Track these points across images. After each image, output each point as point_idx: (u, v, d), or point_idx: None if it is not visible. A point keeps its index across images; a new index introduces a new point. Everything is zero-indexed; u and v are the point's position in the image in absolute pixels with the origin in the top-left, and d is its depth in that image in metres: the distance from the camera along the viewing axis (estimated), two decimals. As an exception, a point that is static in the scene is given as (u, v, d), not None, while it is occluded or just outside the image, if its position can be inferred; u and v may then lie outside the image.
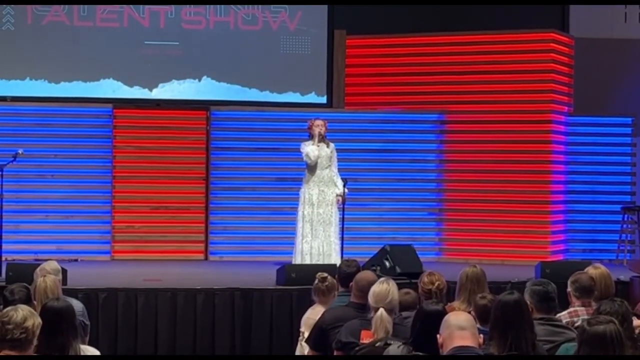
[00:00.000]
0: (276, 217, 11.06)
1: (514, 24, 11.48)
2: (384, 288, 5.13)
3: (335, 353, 5.24)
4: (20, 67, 11.22)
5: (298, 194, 9.83)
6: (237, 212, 11.26)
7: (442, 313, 4.51)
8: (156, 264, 10.48)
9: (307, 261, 9.51)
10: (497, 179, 11.22)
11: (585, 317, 5.36)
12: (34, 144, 10.79)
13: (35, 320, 4.26)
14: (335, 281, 6.38)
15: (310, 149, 9.67)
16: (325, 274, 6.45)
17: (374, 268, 8.49)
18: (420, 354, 4.44)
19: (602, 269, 6.17)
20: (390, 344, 4.72)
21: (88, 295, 8.05)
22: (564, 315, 5.60)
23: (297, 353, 6.38)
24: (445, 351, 4.20)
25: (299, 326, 6.55)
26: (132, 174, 11.15)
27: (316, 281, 6.43)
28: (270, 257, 10.53)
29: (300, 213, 9.72)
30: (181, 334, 8.24)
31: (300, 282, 8.26)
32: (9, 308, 4.33)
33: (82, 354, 4.64)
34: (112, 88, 11.34)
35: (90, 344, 5.48)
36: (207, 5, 11.51)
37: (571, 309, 5.71)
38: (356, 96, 11.71)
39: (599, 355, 4.07)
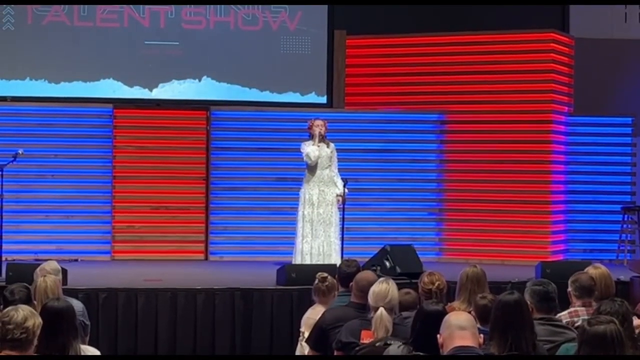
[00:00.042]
0: (276, 217, 11.06)
1: (514, 24, 11.48)
2: (383, 288, 5.14)
3: (335, 353, 5.24)
4: (20, 67, 11.22)
5: (298, 194, 9.83)
6: (237, 212, 11.26)
7: (442, 313, 4.51)
8: (156, 264, 10.48)
9: (307, 261, 9.50)
10: (497, 179, 11.22)
11: (586, 317, 5.36)
12: (34, 144, 10.79)
13: (35, 320, 4.26)
14: (335, 281, 6.37)
15: (311, 149, 9.66)
16: (326, 274, 6.45)
17: (374, 268, 8.47)
18: (421, 354, 4.44)
19: (603, 269, 6.17)
20: (390, 344, 4.72)
21: (88, 295, 8.05)
22: (564, 315, 5.60)
23: (297, 353, 6.38)
24: (445, 351, 4.20)
25: (299, 326, 6.55)
26: (132, 174, 11.14)
27: (316, 281, 6.43)
28: (271, 257, 10.52)
29: (300, 213, 9.72)
30: (181, 334, 8.24)
31: (301, 282, 8.26)
32: (9, 308, 4.33)
33: (82, 354, 4.64)
34: (112, 88, 11.34)
35: (91, 344, 5.48)
36: (207, 5, 11.51)
37: (571, 309, 5.71)
38: (356, 96, 11.70)
39: (599, 355, 4.07)
